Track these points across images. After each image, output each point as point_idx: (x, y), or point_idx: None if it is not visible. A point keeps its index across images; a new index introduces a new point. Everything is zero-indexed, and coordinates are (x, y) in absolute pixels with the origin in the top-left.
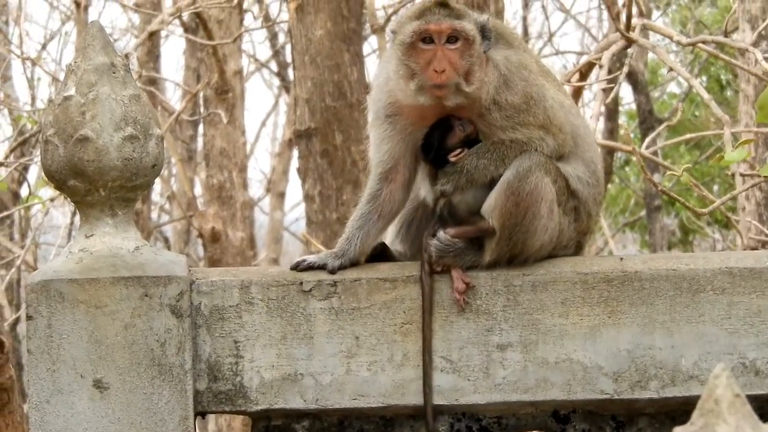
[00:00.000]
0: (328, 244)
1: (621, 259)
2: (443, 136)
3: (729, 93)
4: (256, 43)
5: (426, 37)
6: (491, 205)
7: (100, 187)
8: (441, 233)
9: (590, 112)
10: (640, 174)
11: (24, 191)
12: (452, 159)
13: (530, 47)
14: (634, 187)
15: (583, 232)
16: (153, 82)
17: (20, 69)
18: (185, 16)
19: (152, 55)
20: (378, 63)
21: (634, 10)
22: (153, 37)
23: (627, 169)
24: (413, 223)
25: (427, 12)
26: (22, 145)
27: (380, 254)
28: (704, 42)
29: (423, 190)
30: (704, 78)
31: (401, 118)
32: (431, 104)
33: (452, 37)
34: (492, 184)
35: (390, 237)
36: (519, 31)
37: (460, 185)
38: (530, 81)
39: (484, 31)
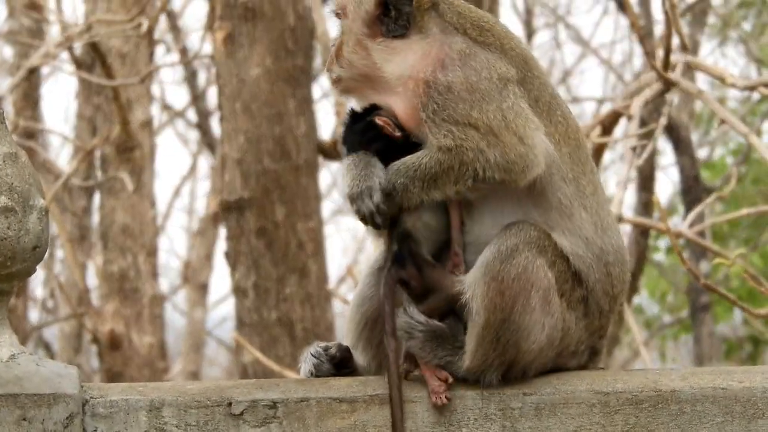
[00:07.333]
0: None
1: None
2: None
3: None
4: (169, 84)
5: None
6: (473, 289)
7: None
8: (411, 308)
9: (616, 178)
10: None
11: None
12: (378, 120)
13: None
14: (673, 279)
15: (598, 333)
16: (32, 135)
17: None
18: (77, 48)
19: (30, 100)
20: None
21: (676, 42)
22: (32, 75)
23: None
24: (377, 323)
25: None
26: None
27: (341, 361)
28: (766, 85)
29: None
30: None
31: None
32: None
33: (337, 14)
34: (441, 204)
35: (349, 344)
36: None
37: (396, 206)
38: (481, 75)
39: (386, 7)
